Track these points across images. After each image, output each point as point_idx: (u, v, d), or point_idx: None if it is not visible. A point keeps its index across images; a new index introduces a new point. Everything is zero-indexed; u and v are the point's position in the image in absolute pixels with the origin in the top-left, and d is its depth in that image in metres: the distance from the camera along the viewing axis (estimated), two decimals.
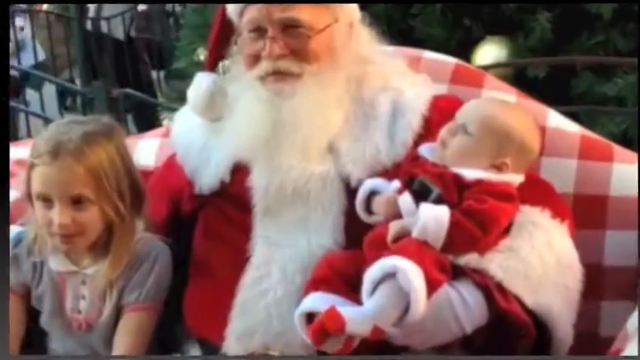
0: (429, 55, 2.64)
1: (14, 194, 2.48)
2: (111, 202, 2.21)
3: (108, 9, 7.02)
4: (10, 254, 2.31)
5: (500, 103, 2.29)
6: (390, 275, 1.97)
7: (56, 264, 2.31)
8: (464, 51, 3.70)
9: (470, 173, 2.11)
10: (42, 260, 2.31)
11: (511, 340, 2.07)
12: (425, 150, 2.22)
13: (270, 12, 2.23)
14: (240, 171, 2.31)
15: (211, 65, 2.41)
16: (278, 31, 2.23)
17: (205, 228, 2.37)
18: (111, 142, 2.25)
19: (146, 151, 2.74)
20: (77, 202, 2.19)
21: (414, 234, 2.03)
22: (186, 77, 5.45)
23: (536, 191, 2.20)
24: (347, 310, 1.96)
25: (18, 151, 2.70)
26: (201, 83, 2.37)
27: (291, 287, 2.17)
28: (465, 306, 2.03)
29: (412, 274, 1.95)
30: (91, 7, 7.19)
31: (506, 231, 2.11)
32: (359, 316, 1.95)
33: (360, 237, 2.15)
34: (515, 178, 2.15)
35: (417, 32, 3.83)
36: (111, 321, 2.27)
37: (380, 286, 1.98)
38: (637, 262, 2.31)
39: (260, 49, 2.25)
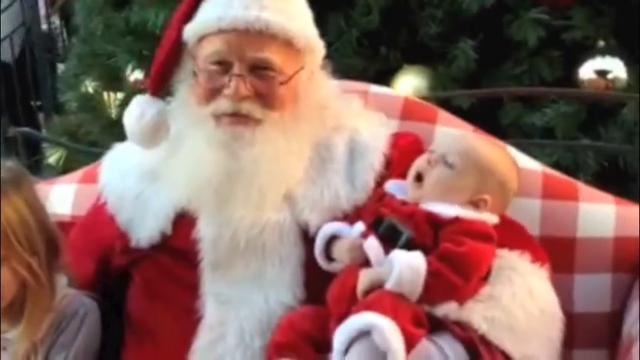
0: (375, 89, 2.45)
1: None
2: (23, 260, 1.97)
3: None
4: None
5: (479, 137, 2.12)
6: (364, 333, 1.78)
7: None
8: (382, 81, 3.52)
9: (445, 210, 1.93)
10: None
11: None
12: (393, 187, 2.03)
13: (242, 48, 2.02)
14: (183, 221, 2.08)
15: (155, 89, 2.15)
16: (246, 69, 2.02)
17: (144, 285, 2.12)
18: (18, 192, 2.00)
19: (61, 198, 2.46)
20: None
21: (388, 285, 1.84)
22: (70, 112, 5.19)
23: (510, 233, 2.05)
24: None
25: None
26: (143, 111, 2.12)
27: (250, 351, 1.97)
28: None
29: (389, 331, 1.78)
30: None
31: (485, 277, 1.93)
32: None
33: (321, 290, 1.96)
34: (492, 218, 1.98)
35: (334, 62, 3.63)
36: None
37: (353, 345, 1.79)
38: (609, 307, 2.19)
39: (221, 86, 2.03)
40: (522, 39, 3.56)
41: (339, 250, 1.96)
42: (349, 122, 2.15)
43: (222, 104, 2.03)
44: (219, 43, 2.04)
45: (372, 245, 1.91)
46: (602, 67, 3.52)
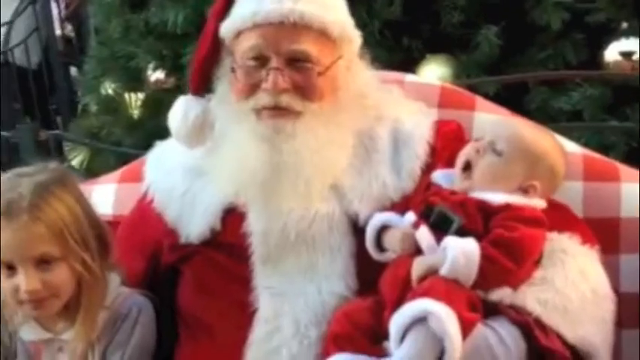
0: (411, 78, 2.46)
1: None
2: (78, 256, 1.98)
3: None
4: None
5: (526, 122, 2.12)
6: (420, 320, 1.79)
7: (28, 333, 2.06)
8: (405, 71, 3.52)
9: (496, 197, 1.94)
10: (15, 331, 2.06)
11: None
12: (440, 176, 2.04)
13: (278, 41, 2.02)
14: (232, 216, 2.08)
15: (196, 88, 2.15)
16: (283, 62, 2.01)
17: (195, 280, 2.12)
18: (66, 190, 2.01)
19: (102, 198, 2.45)
20: (43, 262, 1.95)
21: (443, 271, 1.85)
22: (90, 114, 5.21)
23: (558, 215, 2.04)
24: None
25: None
26: (187, 111, 2.13)
27: (306, 342, 1.96)
28: (504, 345, 1.86)
29: (445, 317, 1.78)
30: None
31: (537, 261, 1.94)
32: None
33: (373, 279, 1.97)
34: (540, 203, 1.99)
35: None
36: None
37: (410, 332, 1.80)
38: None
39: (259, 80, 2.03)
40: (546, 23, 3.56)
41: (391, 240, 1.96)
42: (391, 112, 2.15)
43: (262, 98, 2.03)
44: (255, 38, 2.04)
45: (424, 234, 1.91)
46: (626, 49, 3.50)
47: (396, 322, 1.81)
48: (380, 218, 2.00)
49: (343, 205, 2.04)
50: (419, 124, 2.14)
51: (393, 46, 3.74)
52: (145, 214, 2.23)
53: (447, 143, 2.11)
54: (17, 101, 6.61)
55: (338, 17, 2.07)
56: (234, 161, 2.06)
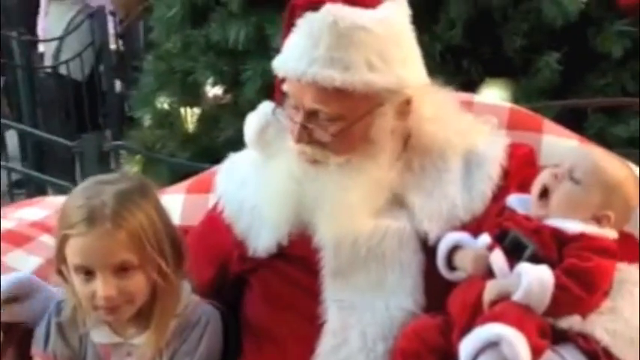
0: (480, 99, 2.48)
1: (35, 260, 2.29)
2: (154, 263, 2.01)
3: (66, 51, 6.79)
4: (53, 324, 2.11)
5: (603, 151, 2.13)
6: (492, 344, 1.81)
7: (99, 336, 2.09)
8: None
9: (571, 226, 1.96)
10: (86, 333, 2.10)
11: None
12: (515, 201, 2.05)
13: (301, 97, 2.03)
14: (300, 230, 2.11)
15: (279, 99, 2.16)
16: (305, 117, 2.03)
17: (263, 291, 2.16)
18: (146, 199, 2.05)
19: (169, 208, 2.47)
20: (121, 269, 1.99)
21: (516, 297, 1.87)
22: (144, 128, 5.26)
23: (626, 245, 2.05)
24: None
25: (30, 213, 2.48)
26: (263, 110, 2.19)
27: (372, 355, 1.99)
28: None
29: (517, 342, 1.81)
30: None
31: (607, 291, 1.95)
32: None
33: (440, 297, 2.00)
34: (613, 234, 2.00)
35: None
36: None
37: (481, 356, 1.82)
38: None
39: (293, 124, 2.06)
40: (607, 51, 3.57)
41: (463, 260, 1.98)
42: (462, 133, 2.16)
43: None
44: (288, 87, 2.08)
45: (498, 258, 1.94)
46: None
47: (467, 345, 1.83)
48: (453, 237, 2.02)
49: (413, 225, 2.06)
50: (492, 146, 2.14)
51: (454, 70, 3.76)
52: (215, 224, 2.26)
53: (520, 167, 2.13)
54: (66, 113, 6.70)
55: (363, 75, 2.00)
56: (270, 189, 2.12)
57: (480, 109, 2.36)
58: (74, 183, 4.55)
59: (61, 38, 6.87)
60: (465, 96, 2.45)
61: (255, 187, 2.19)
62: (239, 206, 2.21)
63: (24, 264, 2.25)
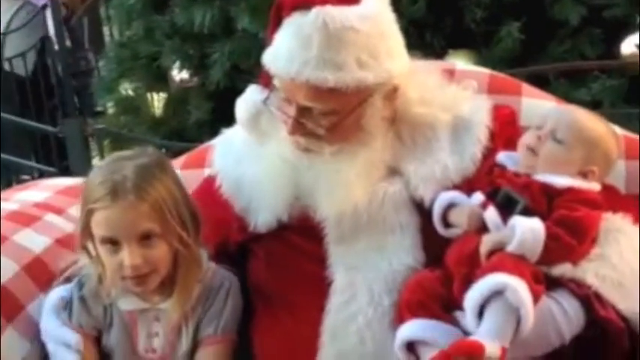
0: (461, 67, 2.59)
1: (45, 240, 2.35)
2: (175, 233, 2.12)
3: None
4: (75, 297, 2.20)
5: (581, 110, 2.25)
6: (497, 292, 1.92)
7: (126, 303, 2.19)
8: None
9: (560, 180, 2.08)
10: (111, 303, 2.20)
11: (604, 348, 2.04)
12: (504, 158, 2.17)
13: (293, 94, 2.11)
14: (300, 204, 2.21)
15: (266, 81, 2.24)
16: (298, 112, 2.11)
17: (268, 258, 2.25)
18: (165, 173, 2.15)
19: None
20: (145, 238, 2.08)
21: (511, 248, 1.98)
22: (109, 115, 5.32)
23: (610, 196, 2.18)
24: (477, 337, 1.91)
25: (30, 195, 2.55)
26: (251, 96, 2.26)
27: (380, 308, 2.10)
28: (566, 316, 1.99)
29: (521, 289, 1.92)
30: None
31: (595, 239, 2.08)
32: (488, 340, 1.89)
33: (438, 253, 2.11)
34: (597, 186, 2.13)
35: None
36: (188, 356, 2.17)
37: (490, 304, 1.93)
38: None
39: (286, 117, 2.14)
40: (565, 18, 3.71)
41: (458, 216, 2.09)
42: (450, 101, 2.26)
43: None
44: (278, 82, 2.15)
45: (492, 213, 2.05)
46: None
47: (472, 297, 1.94)
48: (447, 196, 2.13)
49: (409, 190, 2.17)
50: (477, 110, 2.25)
51: (417, 43, 3.87)
52: (213, 197, 2.32)
53: (504, 127, 2.24)
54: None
55: (354, 74, 2.07)
56: (264, 173, 2.21)
57: (461, 75, 2.47)
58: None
59: (4, 34, 6.88)
60: (446, 64, 2.56)
61: (251, 168, 2.27)
62: (237, 183, 2.29)
63: (34, 243, 2.32)
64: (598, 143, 2.13)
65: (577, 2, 3.71)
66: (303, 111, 2.11)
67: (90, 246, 2.14)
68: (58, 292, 2.23)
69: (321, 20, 2.06)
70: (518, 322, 1.91)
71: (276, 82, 2.16)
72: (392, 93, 2.17)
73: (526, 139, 2.16)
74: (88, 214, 2.10)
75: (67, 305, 2.21)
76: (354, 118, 2.13)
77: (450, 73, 2.46)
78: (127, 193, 2.06)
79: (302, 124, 2.12)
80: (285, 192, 2.19)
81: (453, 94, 2.30)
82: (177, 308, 2.15)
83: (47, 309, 2.21)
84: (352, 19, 2.08)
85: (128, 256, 2.06)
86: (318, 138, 2.13)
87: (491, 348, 1.88)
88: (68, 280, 2.25)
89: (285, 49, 2.12)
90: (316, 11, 2.07)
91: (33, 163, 5.32)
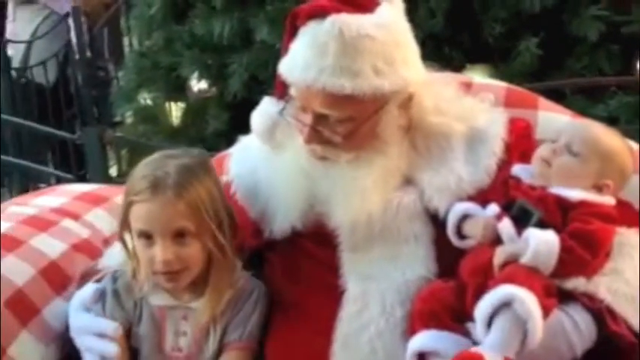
0: (478, 79, 2.60)
1: (61, 245, 2.38)
2: (211, 234, 2.15)
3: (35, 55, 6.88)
4: (109, 290, 2.24)
5: (597, 124, 2.27)
6: (506, 304, 1.93)
7: (157, 299, 2.23)
8: None
9: (574, 194, 2.09)
10: (142, 297, 2.23)
11: None
12: (519, 170, 2.18)
13: (309, 102, 2.12)
14: (314, 212, 2.22)
15: (280, 93, 2.26)
16: (314, 120, 2.12)
17: (283, 266, 2.27)
18: (207, 174, 2.19)
19: None
20: (179, 236, 2.12)
21: (524, 260, 1.99)
22: (128, 124, 5.35)
23: (624, 211, 2.18)
24: (479, 349, 1.93)
25: (48, 200, 2.58)
26: (267, 108, 2.28)
27: (392, 319, 2.11)
28: (577, 330, 2.00)
29: (529, 301, 1.92)
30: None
31: (609, 253, 2.08)
32: (491, 351, 1.91)
33: (452, 264, 2.12)
34: (612, 201, 2.14)
35: None
36: (214, 359, 2.20)
37: (498, 315, 1.94)
38: None
39: (302, 125, 2.16)
40: (583, 34, 3.72)
41: (473, 228, 2.10)
42: (467, 112, 2.27)
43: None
44: (295, 91, 2.17)
45: (506, 225, 2.06)
46: None
47: (482, 307, 1.95)
48: (462, 207, 2.14)
49: (424, 200, 2.18)
50: (493, 122, 2.26)
51: (435, 57, 3.88)
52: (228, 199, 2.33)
53: (520, 141, 2.25)
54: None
55: (371, 82, 2.08)
56: (281, 182, 2.23)
57: (478, 88, 2.49)
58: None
59: (29, 42, 6.94)
60: (463, 77, 2.59)
61: (267, 176, 2.29)
62: (252, 192, 2.31)
63: (51, 247, 2.34)
64: (613, 157, 2.14)
65: (595, 18, 3.72)
66: (319, 119, 2.12)
67: (128, 239, 2.19)
68: (89, 288, 2.26)
69: (337, 28, 2.07)
70: (526, 334, 1.92)
71: (292, 91, 2.18)
72: (407, 101, 2.18)
73: (541, 152, 2.17)
74: (127, 206, 2.15)
75: (100, 298, 2.24)
76: (370, 125, 2.14)
77: (467, 86, 2.47)
78: (166, 189, 2.10)
79: (318, 132, 2.13)
80: (301, 199, 2.21)
81: (470, 105, 2.31)
82: (207, 309, 2.18)
83: (76, 305, 2.24)
84: (367, 27, 2.09)
85: (160, 251, 2.10)
86: (335, 146, 2.14)
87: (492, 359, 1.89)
88: (93, 280, 2.28)
89: (301, 58, 2.13)
90: (332, 19, 2.09)
91: (51, 170, 5.35)
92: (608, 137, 2.18)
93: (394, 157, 2.18)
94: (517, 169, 2.19)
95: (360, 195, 2.14)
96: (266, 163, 2.31)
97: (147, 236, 2.13)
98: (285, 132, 2.25)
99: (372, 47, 2.09)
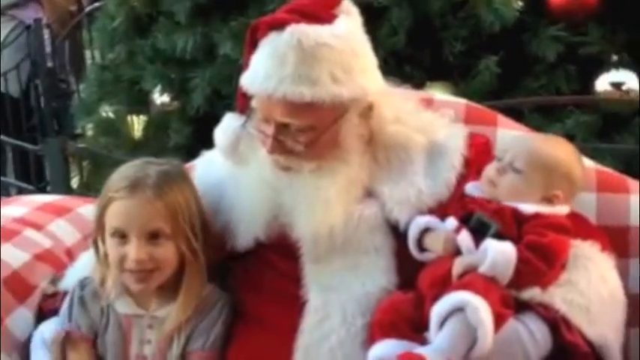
0: (439, 96, 2.66)
1: (23, 255, 2.41)
2: (186, 238, 2.20)
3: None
4: (75, 297, 2.27)
5: (540, 136, 2.33)
6: (458, 309, 1.98)
7: (123, 307, 2.26)
8: None
9: (526, 207, 2.14)
10: (109, 304, 2.27)
11: None
12: (472, 188, 2.23)
13: (270, 111, 2.18)
14: (277, 224, 2.26)
15: (241, 107, 2.31)
16: (276, 130, 2.17)
17: (246, 276, 2.30)
18: (185, 182, 2.26)
19: None
20: (153, 237, 2.17)
21: (482, 269, 2.04)
22: (88, 136, 5.34)
23: (580, 225, 2.24)
24: (421, 350, 1.98)
25: (10, 210, 2.59)
26: (228, 126, 2.32)
27: (353, 329, 2.15)
28: (533, 339, 2.05)
29: (481, 308, 1.97)
30: None
31: (564, 265, 2.14)
32: (433, 353, 1.96)
33: (411, 276, 2.16)
34: (564, 209, 2.20)
35: None
36: None
37: (448, 320, 1.99)
38: None
39: (264, 136, 2.20)
40: (541, 54, 3.79)
41: (434, 242, 2.15)
42: (425, 126, 2.33)
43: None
44: (256, 102, 2.22)
45: (465, 237, 2.11)
46: (616, 80, 3.75)
47: (436, 311, 2.00)
48: (422, 221, 2.18)
49: (384, 212, 2.22)
50: (453, 137, 2.32)
51: (395, 74, 3.92)
52: None
53: (478, 156, 2.30)
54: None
55: (330, 89, 2.13)
56: (246, 195, 2.27)
57: (438, 105, 2.53)
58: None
59: None
60: (424, 94, 2.65)
61: (231, 190, 2.33)
62: (215, 205, 2.34)
63: (13, 257, 2.37)
64: (556, 167, 2.19)
65: (554, 39, 3.77)
66: (281, 129, 2.16)
67: (99, 240, 2.23)
68: (50, 324, 2.29)
69: (295, 38, 2.13)
70: (475, 341, 1.97)
71: (253, 103, 2.22)
72: (367, 111, 2.23)
73: (486, 173, 2.22)
74: (105, 204, 2.20)
75: (69, 306, 2.27)
76: (331, 134, 2.18)
77: (428, 102, 2.52)
78: (145, 189, 2.16)
79: (280, 142, 2.17)
80: (265, 211, 2.24)
81: (429, 119, 2.37)
82: (173, 319, 2.21)
83: (38, 344, 2.28)
84: (325, 36, 2.15)
85: (134, 250, 2.15)
86: (297, 155, 2.18)
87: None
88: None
89: (262, 68, 2.18)
90: (291, 30, 2.14)
91: (12, 180, 5.34)
92: (550, 148, 2.23)
93: (356, 166, 2.23)
94: (470, 187, 2.24)
95: (323, 205, 2.18)
96: (230, 178, 2.35)
97: (121, 235, 2.17)
98: (249, 146, 2.29)
99: (329, 56, 2.15)
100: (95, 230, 2.25)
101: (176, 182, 2.21)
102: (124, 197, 2.17)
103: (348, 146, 2.22)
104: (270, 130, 2.18)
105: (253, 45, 2.25)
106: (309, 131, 2.17)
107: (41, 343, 2.28)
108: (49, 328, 2.29)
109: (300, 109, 2.14)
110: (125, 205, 2.17)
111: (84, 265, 2.40)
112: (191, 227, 2.20)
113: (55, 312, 2.33)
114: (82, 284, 2.29)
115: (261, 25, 2.23)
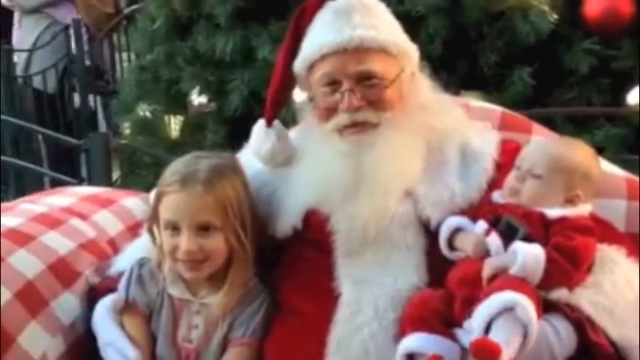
0: (475, 103, 2.75)
1: (69, 244, 2.48)
2: (235, 231, 2.27)
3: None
4: (134, 275, 2.36)
5: (555, 140, 2.42)
6: (508, 309, 2.03)
7: (176, 291, 2.34)
8: None
9: (551, 212, 2.21)
10: (164, 287, 2.35)
11: None
12: (497, 197, 2.31)
13: (345, 66, 2.31)
14: (314, 216, 2.34)
15: (270, 118, 2.44)
16: (354, 83, 2.31)
17: (282, 269, 2.39)
18: (236, 175, 2.33)
19: None
20: (204, 229, 2.26)
21: (513, 271, 2.10)
22: (125, 136, 5.43)
23: (605, 230, 2.30)
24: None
25: (57, 200, 2.69)
26: (265, 136, 2.44)
27: (385, 322, 2.22)
28: (559, 339, 2.11)
29: (530, 307, 2.03)
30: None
31: (590, 267, 2.20)
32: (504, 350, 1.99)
33: (441, 274, 2.23)
34: (587, 208, 2.27)
35: None
36: (219, 353, 2.30)
37: (497, 320, 2.03)
38: None
39: (336, 102, 2.33)
40: (574, 67, 3.85)
41: (464, 243, 2.22)
42: (460, 129, 2.43)
43: (341, 118, 2.34)
44: (325, 67, 2.35)
45: (494, 240, 2.18)
46: None
47: (482, 312, 2.04)
48: (454, 221, 2.26)
49: (417, 210, 2.31)
50: (486, 143, 2.42)
51: (432, 80, 4.00)
52: None
53: (510, 161, 2.37)
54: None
55: (393, 37, 2.37)
56: (320, 172, 2.35)
57: (474, 111, 2.63)
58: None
59: (30, 50, 7.06)
60: (461, 100, 2.74)
61: (274, 182, 2.44)
62: (257, 193, 2.43)
63: (60, 244, 2.45)
64: (575, 169, 2.26)
65: (588, 52, 3.84)
66: (356, 81, 2.30)
67: (156, 229, 2.32)
68: (107, 301, 2.37)
69: None
70: (525, 338, 2.02)
71: (322, 68, 2.34)
72: (412, 77, 2.39)
73: (508, 182, 2.29)
74: (158, 197, 2.30)
75: (128, 279, 2.36)
76: (396, 88, 2.33)
77: (465, 108, 2.61)
78: (196, 183, 2.25)
79: (357, 97, 2.30)
80: (348, 179, 2.32)
81: (464, 119, 2.48)
82: (220, 306, 2.30)
83: (103, 314, 2.35)
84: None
85: (184, 241, 2.24)
86: (373, 106, 2.31)
87: (506, 352, 1.98)
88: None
89: (329, 29, 2.34)
90: None
91: (54, 174, 5.45)
92: (567, 150, 2.30)
93: (418, 127, 2.36)
94: (496, 196, 2.31)
95: (404, 153, 2.31)
96: (271, 173, 2.46)
97: (174, 227, 2.26)
98: (291, 153, 2.43)
99: (385, 12, 2.40)
100: (150, 219, 2.35)
101: (226, 176, 2.29)
102: (175, 191, 2.25)
103: (410, 103, 2.36)
104: (346, 85, 2.30)
105: (298, 31, 2.41)
106: (379, 84, 2.30)
107: (107, 312, 2.35)
108: (111, 298, 2.38)
109: (372, 56, 2.31)
110: (176, 198, 2.25)
111: (130, 255, 2.50)
112: (241, 221, 2.28)
113: (110, 292, 2.42)
114: (141, 263, 2.38)
115: (308, 6, 2.41)
